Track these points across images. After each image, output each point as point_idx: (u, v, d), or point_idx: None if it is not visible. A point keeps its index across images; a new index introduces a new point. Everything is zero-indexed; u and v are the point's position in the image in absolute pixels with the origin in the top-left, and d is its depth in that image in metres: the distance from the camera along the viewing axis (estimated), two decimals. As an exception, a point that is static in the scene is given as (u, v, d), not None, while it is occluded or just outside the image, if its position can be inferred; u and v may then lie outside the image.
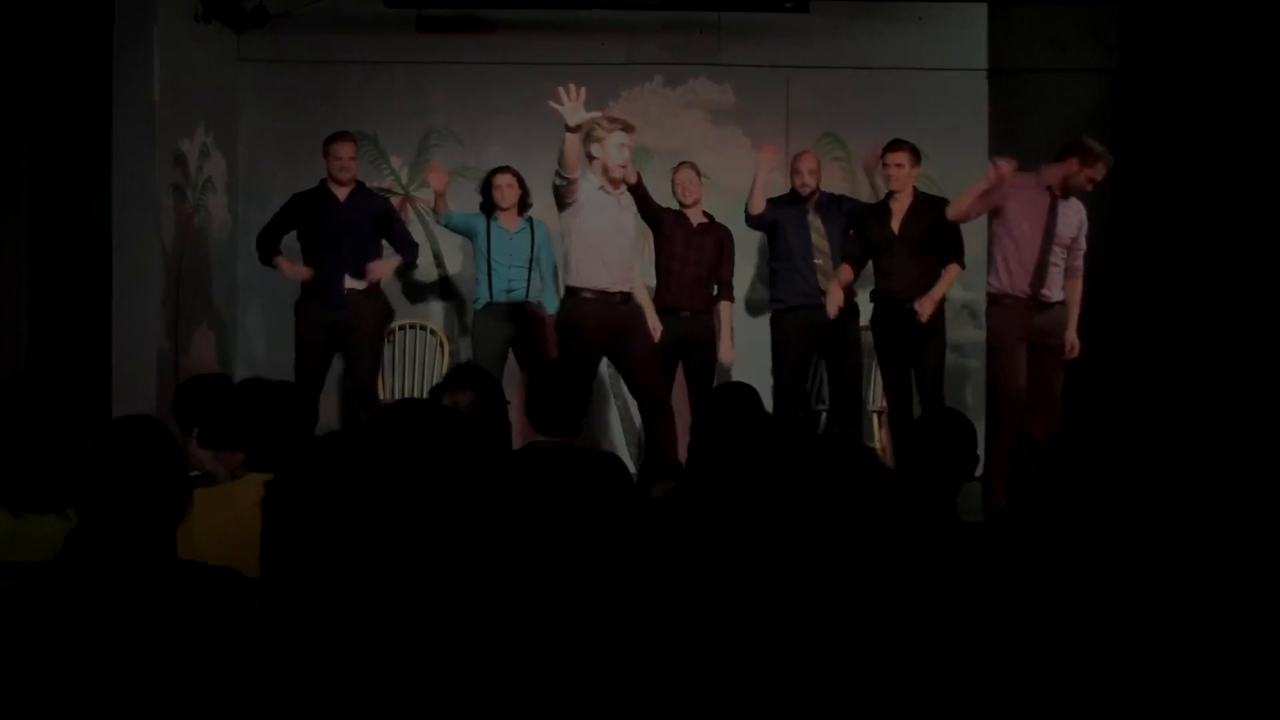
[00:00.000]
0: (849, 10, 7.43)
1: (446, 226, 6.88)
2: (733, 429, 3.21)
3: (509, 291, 6.71)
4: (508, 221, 6.77)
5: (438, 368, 7.30)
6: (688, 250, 6.60)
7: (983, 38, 7.43)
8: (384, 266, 6.60)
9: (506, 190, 6.74)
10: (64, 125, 6.14)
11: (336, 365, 6.76)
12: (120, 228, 6.25)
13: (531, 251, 6.79)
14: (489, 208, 6.78)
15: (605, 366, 7.39)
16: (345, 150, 6.48)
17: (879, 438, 7.10)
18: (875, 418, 7.18)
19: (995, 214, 6.00)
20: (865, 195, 7.48)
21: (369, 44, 7.44)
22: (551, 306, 6.80)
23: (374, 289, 6.62)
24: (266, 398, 3.25)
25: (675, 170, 6.79)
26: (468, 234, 6.85)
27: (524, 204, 6.84)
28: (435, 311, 7.53)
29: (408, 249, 6.77)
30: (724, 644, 1.90)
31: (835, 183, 7.48)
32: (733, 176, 7.20)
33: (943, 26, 7.43)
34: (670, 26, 7.48)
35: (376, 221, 6.62)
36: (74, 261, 6.17)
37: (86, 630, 1.84)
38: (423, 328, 7.44)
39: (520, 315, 6.73)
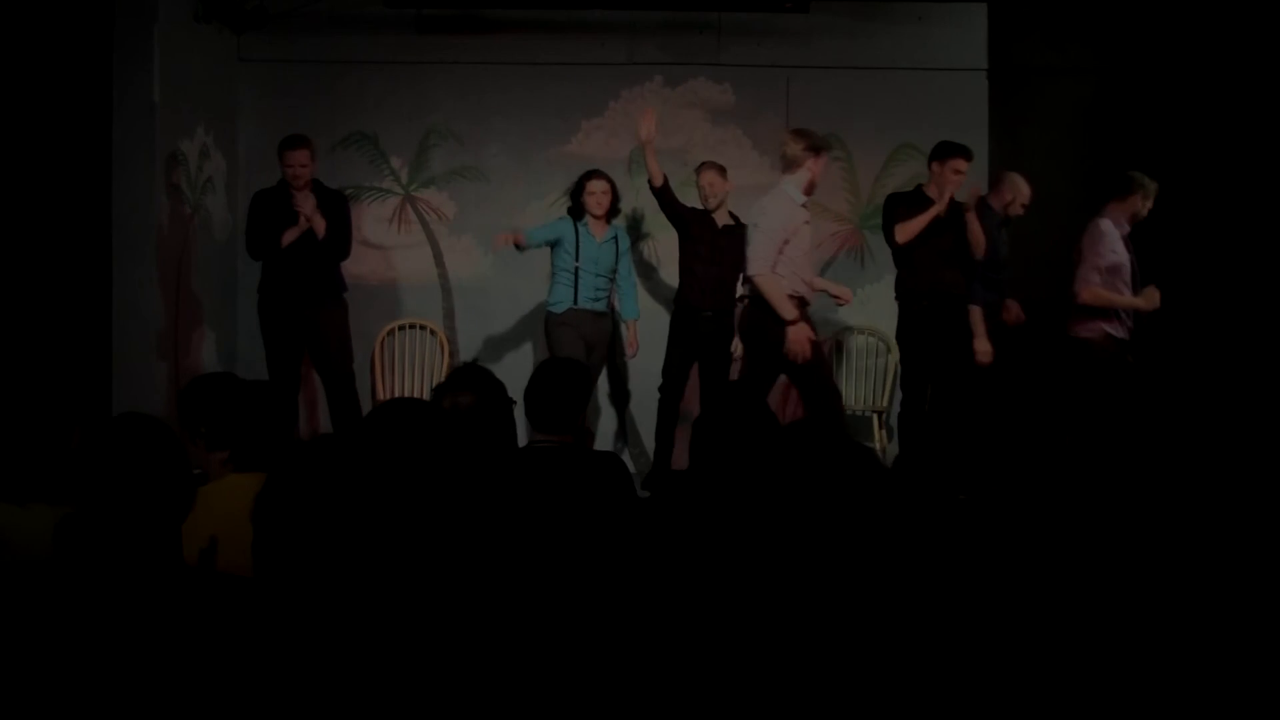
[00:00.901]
0: (849, 10, 7.44)
1: (531, 247, 6.65)
2: (737, 429, 3.21)
3: (594, 300, 6.60)
4: (596, 229, 6.63)
5: (438, 368, 7.31)
6: (714, 252, 6.56)
7: (983, 38, 7.43)
8: (317, 220, 6.37)
9: (601, 197, 6.58)
10: (64, 125, 6.13)
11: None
12: (120, 228, 6.25)
13: (615, 261, 6.69)
14: (578, 212, 6.63)
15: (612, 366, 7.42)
16: (298, 158, 6.40)
17: (878, 438, 7.12)
18: (875, 418, 7.20)
19: (1114, 270, 6.20)
20: (865, 195, 7.50)
21: (369, 44, 7.44)
22: (631, 314, 6.81)
23: (334, 288, 6.55)
24: (247, 397, 3.23)
25: (701, 171, 6.71)
26: (551, 243, 6.66)
27: (614, 210, 6.71)
28: (435, 311, 7.52)
29: (338, 246, 6.53)
30: (723, 643, 1.90)
31: (835, 182, 7.50)
32: (733, 176, 7.20)
33: (943, 26, 7.43)
34: (670, 26, 7.49)
35: (332, 217, 6.50)
36: (74, 261, 6.17)
37: (88, 630, 1.84)
38: (423, 328, 7.44)
39: (601, 323, 6.65)
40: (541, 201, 7.45)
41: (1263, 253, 6.59)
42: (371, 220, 7.47)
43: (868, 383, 7.44)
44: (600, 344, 6.67)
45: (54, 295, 6.10)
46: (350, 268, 6.73)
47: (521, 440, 3.63)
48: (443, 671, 1.71)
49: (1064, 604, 2.16)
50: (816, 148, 5.71)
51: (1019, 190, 6.48)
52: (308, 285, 6.44)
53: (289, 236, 6.38)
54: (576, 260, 6.54)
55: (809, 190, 5.74)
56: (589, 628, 1.98)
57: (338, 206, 6.58)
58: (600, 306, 6.64)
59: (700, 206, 6.66)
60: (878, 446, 7.01)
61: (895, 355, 7.33)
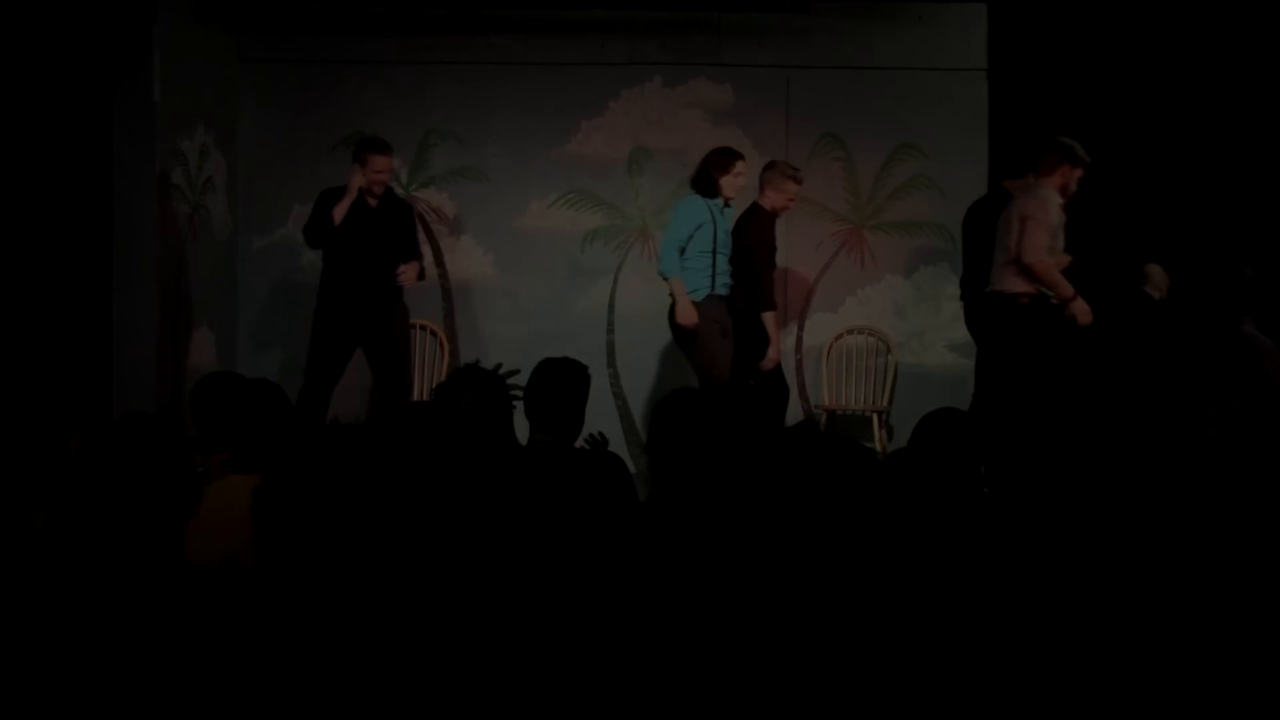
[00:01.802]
0: (849, 10, 7.44)
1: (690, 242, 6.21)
2: (735, 429, 3.20)
3: (726, 285, 6.21)
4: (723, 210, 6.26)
5: (438, 368, 7.30)
6: (775, 254, 6.52)
7: (983, 38, 7.43)
8: (411, 273, 6.38)
9: (744, 181, 6.23)
10: (64, 125, 6.14)
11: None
12: (120, 228, 6.25)
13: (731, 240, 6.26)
14: (712, 191, 6.19)
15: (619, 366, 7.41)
16: (386, 163, 6.28)
17: (879, 438, 7.12)
18: (875, 418, 7.20)
19: None
20: (866, 195, 7.50)
21: (369, 44, 7.44)
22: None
23: (397, 291, 6.45)
24: (241, 398, 3.20)
25: (791, 178, 6.43)
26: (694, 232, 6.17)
27: None
28: (435, 311, 7.52)
29: (419, 258, 6.57)
30: (723, 642, 1.90)
31: (835, 182, 7.50)
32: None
33: (943, 26, 7.43)
34: (670, 26, 7.48)
35: (404, 228, 6.48)
36: (74, 261, 6.17)
37: (92, 629, 1.84)
38: (423, 328, 7.43)
39: (732, 308, 6.26)
40: (541, 201, 7.45)
41: (1266, 252, 6.60)
42: (371, 220, 7.46)
43: (868, 383, 7.43)
44: (733, 328, 6.26)
45: (54, 295, 6.10)
46: (350, 267, 6.71)
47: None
48: (441, 670, 1.71)
49: (1067, 605, 2.16)
50: (1072, 159, 6.02)
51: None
52: (380, 287, 6.31)
53: (340, 211, 6.18)
54: (714, 243, 6.14)
55: (1063, 192, 6.03)
56: (588, 626, 1.98)
57: (410, 221, 6.58)
58: (729, 291, 6.25)
59: (770, 209, 6.43)
60: (878, 446, 7.02)
61: (895, 356, 7.33)
